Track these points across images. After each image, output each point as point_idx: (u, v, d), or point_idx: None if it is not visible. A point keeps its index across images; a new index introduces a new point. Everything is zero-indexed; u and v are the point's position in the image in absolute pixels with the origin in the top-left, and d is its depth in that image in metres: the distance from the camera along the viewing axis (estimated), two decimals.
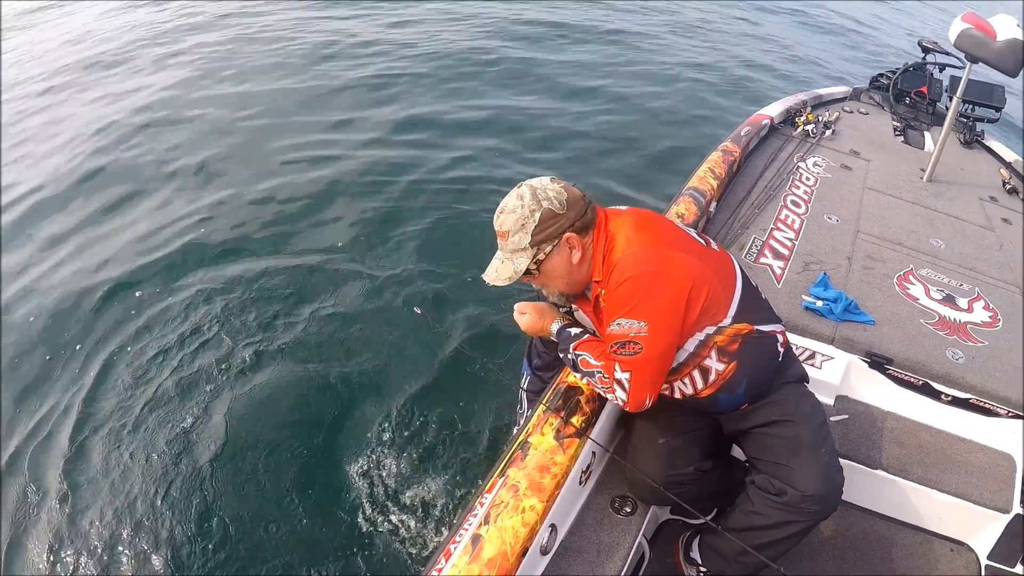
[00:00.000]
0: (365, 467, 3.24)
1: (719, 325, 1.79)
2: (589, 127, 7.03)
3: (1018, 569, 2.38)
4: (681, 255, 1.73)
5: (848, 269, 3.17)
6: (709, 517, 2.12)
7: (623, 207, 1.92)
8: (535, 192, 1.72)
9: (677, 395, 1.90)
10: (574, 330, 1.90)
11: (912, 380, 2.61)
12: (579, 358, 1.83)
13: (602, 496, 1.97)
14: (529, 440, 1.73)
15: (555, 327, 1.93)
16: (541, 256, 1.74)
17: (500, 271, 1.77)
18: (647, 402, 1.75)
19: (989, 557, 2.40)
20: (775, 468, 1.83)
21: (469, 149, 6.22)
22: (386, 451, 3.31)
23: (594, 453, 1.93)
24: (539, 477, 1.62)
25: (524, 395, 2.45)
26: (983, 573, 2.40)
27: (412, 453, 3.30)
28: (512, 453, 1.72)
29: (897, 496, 2.45)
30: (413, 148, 6.18)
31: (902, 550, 2.44)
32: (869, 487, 2.46)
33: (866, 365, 2.63)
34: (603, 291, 1.76)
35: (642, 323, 1.65)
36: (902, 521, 2.52)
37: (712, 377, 1.83)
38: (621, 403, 1.76)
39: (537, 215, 1.70)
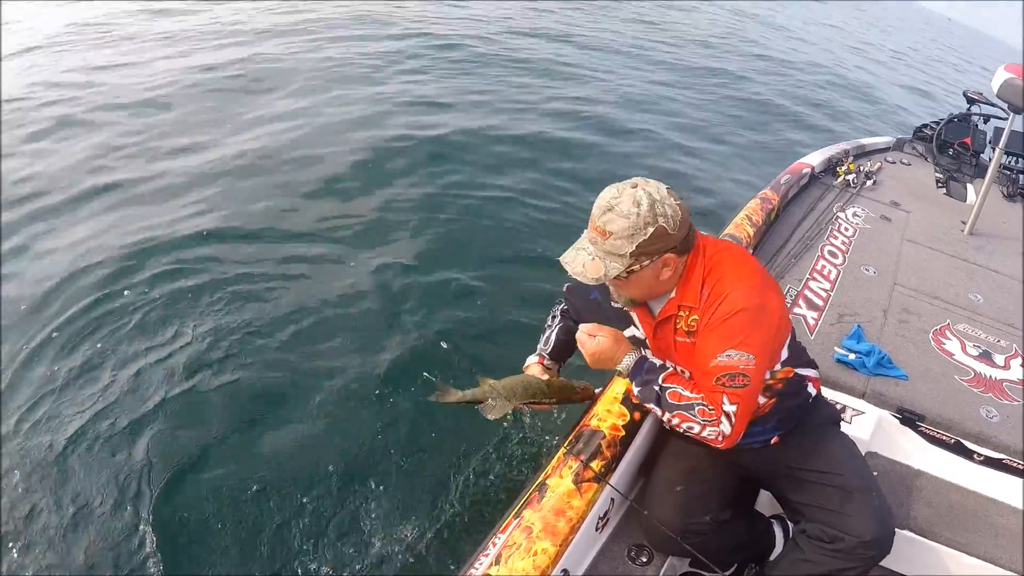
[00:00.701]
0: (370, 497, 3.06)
1: (775, 367, 1.79)
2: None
3: None
4: (775, 295, 1.73)
5: (883, 322, 3.14)
6: (728, 572, 2.08)
7: (714, 235, 1.89)
8: (653, 204, 1.57)
9: None
10: (658, 361, 1.78)
11: (944, 438, 2.53)
12: (668, 391, 1.69)
13: (618, 544, 1.93)
14: (547, 482, 1.69)
15: (631, 359, 1.77)
16: (636, 268, 1.62)
17: (588, 268, 1.62)
18: (741, 436, 1.69)
19: None
20: (827, 515, 1.77)
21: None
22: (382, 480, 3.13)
23: (612, 500, 1.88)
24: (554, 520, 1.59)
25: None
26: None
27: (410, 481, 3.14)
28: (529, 494, 1.68)
29: (926, 558, 2.32)
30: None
31: None
32: (896, 548, 2.38)
33: (897, 421, 2.56)
34: (696, 317, 1.69)
35: (751, 356, 1.60)
36: None
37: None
38: (721, 437, 1.64)
39: (650, 230, 1.57)
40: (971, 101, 5.63)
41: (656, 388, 1.71)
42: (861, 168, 4.79)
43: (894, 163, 5.31)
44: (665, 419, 1.72)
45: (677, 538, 1.76)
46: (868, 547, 1.73)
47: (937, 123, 5.73)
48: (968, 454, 2.49)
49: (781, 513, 2.15)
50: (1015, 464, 2.47)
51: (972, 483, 2.48)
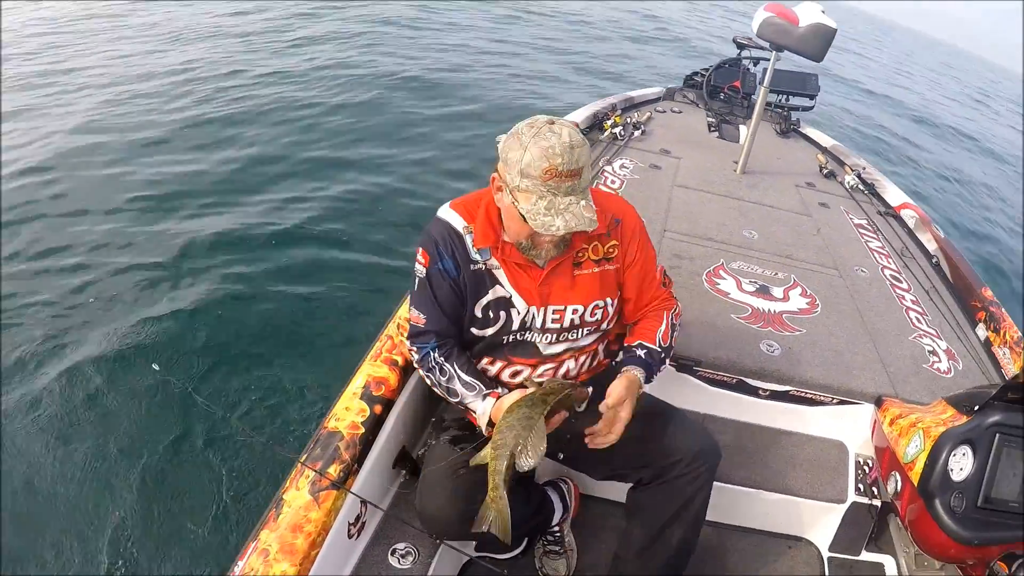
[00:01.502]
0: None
1: None
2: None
3: (862, 556, 2.28)
4: None
5: None
6: (519, 550, 1.94)
7: None
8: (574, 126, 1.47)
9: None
10: (641, 351, 1.67)
11: (726, 379, 2.38)
12: (674, 336, 1.76)
13: (380, 547, 1.75)
14: (284, 497, 1.52)
15: (641, 374, 1.63)
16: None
17: (588, 212, 1.42)
18: None
19: (830, 549, 2.29)
20: (650, 458, 1.69)
21: None
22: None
23: (364, 504, 1.69)
24: (291, 538, 1.43)
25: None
26: (826, 566, 2.27)
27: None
28: (267, 514, 1.50)
29: (726, 502, 2.23)
30: None
31: (736, 554, 2.28)
32: None
33: (674, 369, 2.37)
34: (615, 242, 1.68)
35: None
36: (734, 526, 2.35)
37: None
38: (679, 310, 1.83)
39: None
40: (740, 46, 5.65)
41: (662, 356, 1.70)
42: (629, 120, 4.51)
43: (664, 112, 5.11)
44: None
45: (456, 525, 1.59)
46: (703, 457, 1.69)
47: (707, 70, 5.63)
48: (753, 391, 2.40)
49: (554, 479, 2.13)
50: (801, 393, 2.38)
51: (759, 419, 2.44)
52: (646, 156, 4.09)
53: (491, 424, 1.53)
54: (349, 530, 1.67)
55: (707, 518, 2.14)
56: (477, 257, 1.60)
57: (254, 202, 5.47)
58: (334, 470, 1.60)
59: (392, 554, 1.74)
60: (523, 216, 1.42)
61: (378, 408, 1.76)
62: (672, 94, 5.56)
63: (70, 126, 6.75)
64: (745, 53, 5.62)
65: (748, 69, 5.61)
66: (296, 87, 8.19)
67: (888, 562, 2.29)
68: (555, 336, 1.67)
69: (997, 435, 1.76)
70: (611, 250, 1.66)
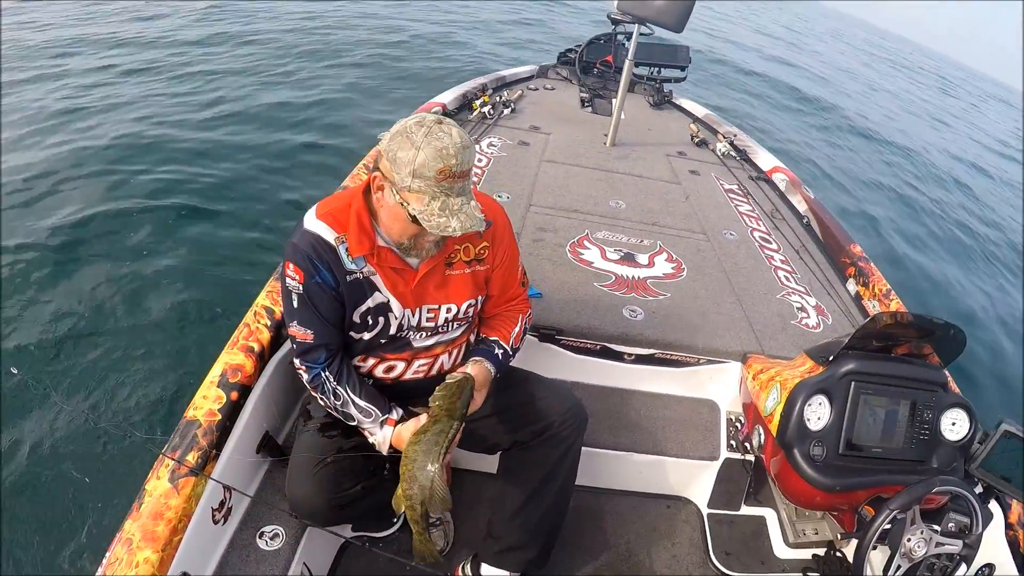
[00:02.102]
0: None
1: None
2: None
3: (743, 511, 2.28)
4: None
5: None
6: (396, 528, 2.03)
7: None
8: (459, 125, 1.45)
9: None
10: (498, 350, 1.70)
11: (589, 346, 2.34)
12: (523, 340, 1.80)
13: (248, 531, 1.72)
14: (146, 487, 1.53)
15: (494, 371, 1.68)
16: None
17: (479, 212, 1.43)
18: None
19: (709, 505, 2.30)
20: (521, 425, 1.75)
21: None
22: None
23: (228, 489, 1.68)
24: (152, 526, 1.45)
25: None
26: (706, 523, 2.27)
27: None
28: (132, 505, 1.51)
29: (596, 467, 2.23)
30: None
31: (615, 516, 2.25)
32: None
33: (536, 339, 2.32)
34: (486, 244, 1.67)
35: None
36: (610, 489, 2.33)
37: None
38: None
39: None
40: (615, 22, 5.57)
41: (511, 356, 1.74)
42: (499, 99, 4.39)
43: (536, 90, 5.00)
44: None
45: (326, 513, 1.61)
46: (571, 417, 1.74)
47: (580, 46, 5.55)
48: (618, 356, 2.36)
49: None
50: (667, 355, 2.36)
51: (628, 383, 2.40)
52: (515, 134, 3.97)
53: (392, 449, 1.55)
54: (214, 516, 1.65)
55: (582, 483, 2.17)
56: (352, 267, 1.53)
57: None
58: (192, 457, 1.60)
59: (260, 537, 1.72)
60: (413, 217, 1.39)
61: (234, 395, 1.75)
62: (545, 72, 5.47)
63: None
64: (620, 28, 5.58)
65: (622, 44, 5.58)
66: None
67: (769, 515, 2.27)
68: (429, 333, 1.66)
69: (852, 383, 1.74)
70: (482, 251, 1.67)
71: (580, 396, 2.22)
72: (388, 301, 1.57)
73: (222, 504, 1.68)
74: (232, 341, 1.86)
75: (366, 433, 1.60)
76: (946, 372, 1.84)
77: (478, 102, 4.20)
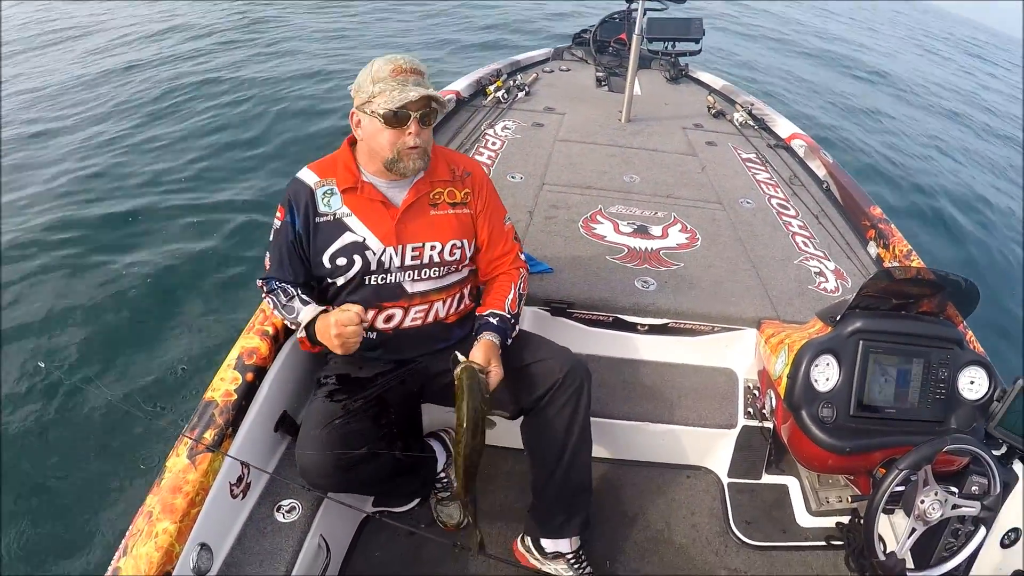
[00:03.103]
0: None
1: None
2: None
3: (764, 480, 2.25)
4: None
5: (528, 222, 2.73)
6: (415, 502, 2.09)
7: None
8: None
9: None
10: (493, 319, 1.76)
11: (602, 318, 2.34)
12: (521, 303, 1.86)
13: (266, 505, 1.79)
14: (166, 464, 1.60)
15: (498, 341, 1.73)
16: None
17: (436, 92, 1.62)
18: None
19: (729, 474, 2.27)
20: (526, 387, 1.78)
21: None
22: None
23: (246, 465, 1.74)
24: (171, 499, 1.53)
25: None
26: (726, 492, 2.24)
27: None
28: (153, 481, 1.59)
29: (612, 438, 2.25)
30: None
31: (633, 487, 2.23)
32: None
33: (548, 314, 2.34)
34: (468, 190, 1.81)
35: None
36: (629, 460, 2.32)
37: None
38: (526, 272, 1.93)
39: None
40: (629, 0, 5.50)
41: (512, 321, 1.80)
42: (513, 83, 4.37)
43: (552, 72, 4.97)
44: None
45: (334, 475, 1.66)
46: (572, 375, 1.76)
47: (594, 27, 5.49)
48: (631, 328, 2.35)
49: (435, 430, 2.18)
50: (680, 324, 2.34)
51: (643, 354, 2.39)
52: (530, 116, 3.96)
53: (312, 323, 1.68)
54: (232, 490, 1.71)
55: (601, 455, 2.26)
56: (325, 209, 1.70)
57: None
58: (209, 435, 1.66)
59: (277, 510, 1.77)
60: (382, 116, 1.57)
61: (250, 376, 1.80)
62: (560, 53, 5.44)
63: None
64: (634, 6, 5.50)
65: (637, 21, 5.50)
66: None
67: (792, 483, 2.24)
68: (416, 272, 1.74)
69: (861, 342, 1.70)
70: (465, 196, 1.80)
71: (594, 368, 2.24)
72: (364, 240, 1.70)
73: (240, 479, 1.74)
74: (249, 326, 1.93)
75: (298, 322, 1.72)
76: (964, 328, 1.78)
77: (492, 87, 4.19)
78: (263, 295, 1.80)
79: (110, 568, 1.42)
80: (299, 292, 1.75)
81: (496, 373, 1.63)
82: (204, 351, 3.50)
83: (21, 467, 2.83)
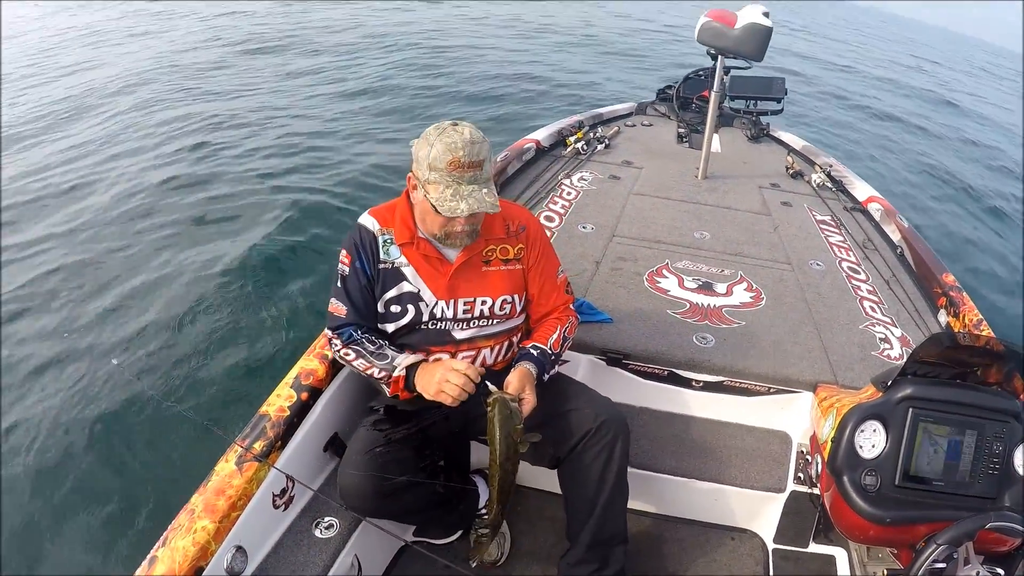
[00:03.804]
0: None
1: None
2: None
3: (811, 548, 2.21)
4: None
5: (594, 272, 2.82)
6: (456, 536, 2.12)
7: None
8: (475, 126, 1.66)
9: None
10: (534, 351, 1.82)
11: (656, 371, 2.36)
12: (564, 346, 1.89)
13: (306, 520, 1.86)
14: (215, 469, 1.71)
15: (533, 368, 1.78)
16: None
17: (490, 197, 1.63)
18: None
19: (775, 540, 2.23)
20: (561, 434, 1.81)
21: None
22: None
23: (291, 479, 1.81)
24: (214, 500, 1.61)
25: None
26: (770, 558, 2.21)
27: None
28: (201, 483, 1.69)
29: (658, 491, 2.25)
30: None
31: (675, 544, 2.23)
32: (630, 488, 2.09)
33: (604, 363, 2.37)
34: (522, 246, 1.86)
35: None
36: (673, 517, 2.32)
37: None
38: (576, 321, 2.00)
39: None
40: (714, 57, 5.59)
41: (552, 358, 1.84)
42: (594, 135, 4.50)
43: (634, 126, 5.09)
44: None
45: (373, 501, 1.71)
46: (610, 423, 1.78)
47: (678, 83, 5.60)
48: (686, 383, 2.36)
49: (480, 468, 2.20)
50: (735, 383, 2.34)
51: (695, 410, 2.39)
52: (607, 168, 4.07)
53: (413, 367, 1.72)
54: (275, 501, 1.79)
55: (644, 509, 2.30)
56: (386, 258, 1.77)
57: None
58: (259, 446, 1.75)
59: (316, 526, 1.84)
60: (433, 206, 1.60)
61: (304, 395, 1.90)
62: (644, 108, 5.55)
63: None
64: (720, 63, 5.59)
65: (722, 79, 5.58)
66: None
67: (840, 555, 2.18)
68: (466, 324, 1.81)
69: (910, 409, 1.68)
70: (519, 252, 1.86)
71: (646, 422, 2.35)
72: (419, 291, 1.77)
73: (284, 492, 1.82)
74: (310, 349, 2.04)
75: (389, 371, 1.74)
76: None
77: (572, 138, 4.33)
78: (337, 348, 1.82)
79: (149, 554, 1.52)
80: (385, 343, 1.80)
81: (529, 400, 1.67)
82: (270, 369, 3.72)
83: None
